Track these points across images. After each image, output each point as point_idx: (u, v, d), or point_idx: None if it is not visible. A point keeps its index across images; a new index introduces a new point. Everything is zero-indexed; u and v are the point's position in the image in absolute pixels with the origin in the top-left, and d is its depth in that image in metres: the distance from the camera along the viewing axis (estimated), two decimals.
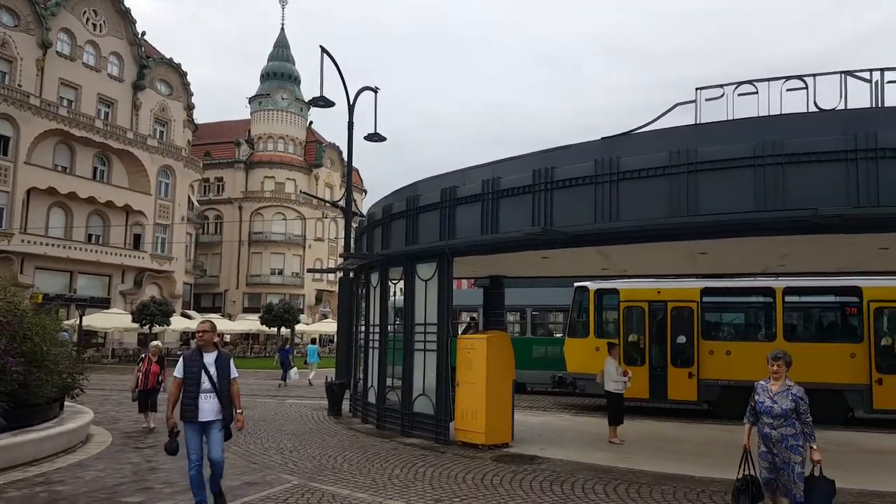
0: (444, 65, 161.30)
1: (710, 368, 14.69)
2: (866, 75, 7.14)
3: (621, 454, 9.96)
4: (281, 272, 57.35)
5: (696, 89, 7.71)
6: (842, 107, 7.23)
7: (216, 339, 6.70)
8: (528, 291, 19.67)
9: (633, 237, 8.47)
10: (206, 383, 6.37)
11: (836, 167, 7.08)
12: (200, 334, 6.56)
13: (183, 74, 47.45)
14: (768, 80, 7.46)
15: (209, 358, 6.47)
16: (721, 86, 7.65)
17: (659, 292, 15.58)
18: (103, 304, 39.70)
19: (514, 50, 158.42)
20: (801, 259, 10.81)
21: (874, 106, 7.18)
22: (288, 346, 28.93)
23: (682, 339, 15.18)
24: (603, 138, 8.54)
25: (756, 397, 5.89)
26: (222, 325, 43.82)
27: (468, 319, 22.32)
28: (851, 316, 14.58)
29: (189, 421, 6.34)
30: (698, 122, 7.78)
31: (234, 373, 6.61)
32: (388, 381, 11.99)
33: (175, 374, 6.50)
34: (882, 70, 7.05)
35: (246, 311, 53.56)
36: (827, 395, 13.99)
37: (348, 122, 16.79)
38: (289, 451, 9.88)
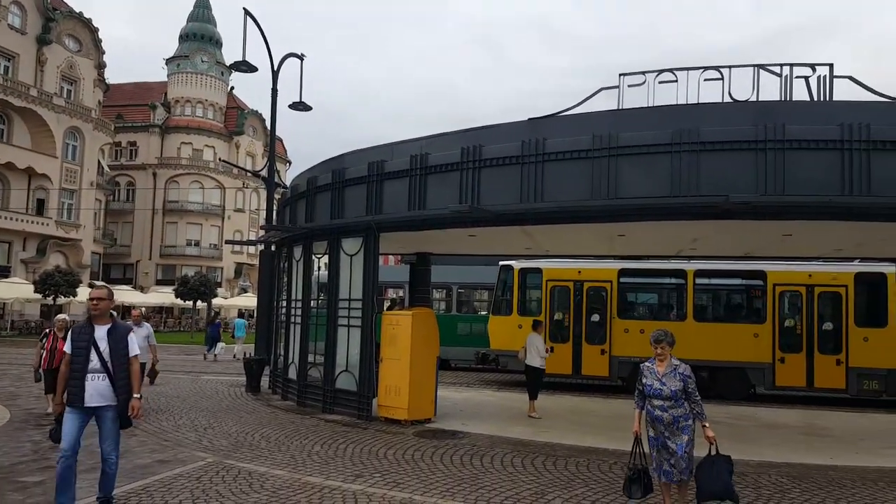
0: (376, 41, 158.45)
1: (624, 346, 15.34)
2: (777, 69, 7.53)
3: (540, 428, 10.27)
4: (198, 243, 55.25)
5: (620, 75, 7.92)
6: (754, 98, 7.60)
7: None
8: (454, 269, 19.82)
9: (556, 218, 8.65)
10: (94, 361, 5.38)
11: (746, 156, 7.45)
12: (94, 302, 5.52)
13: (94, 30, 44.33)
14: (687, 69, 7.73)
15: (101, 331, 5.47)
16: (643, 73, 7.87)
17: (579, 272, 16.07)
18: (2, 272, 37.08)
19: (450, 30, 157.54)
20: (712, 243, 11.38)
21: (783, 99, 7.58)
22: (218, 320, 28.13)
23: (596, 317, 15.77)
24: (529, 119, 8.63)
25: (644, 380, 5.67)
26: (134, 297, 41.92)
27: (394, 296, 22.29)
28: (756, 298, 15.54)
29: (72, 405, 5.37)
30: (621, 107, 7.99)
31: (133, 349, 5.59)
32: (310, 357, 11.82)
33: (65, 349, 5.57)
34: (791, 65, 7.45)
35: (159, 283, 51.44)
36: (732, 372, 15.00)
37: (272, 89, 16.21)
38: (203, 429, 9.59)
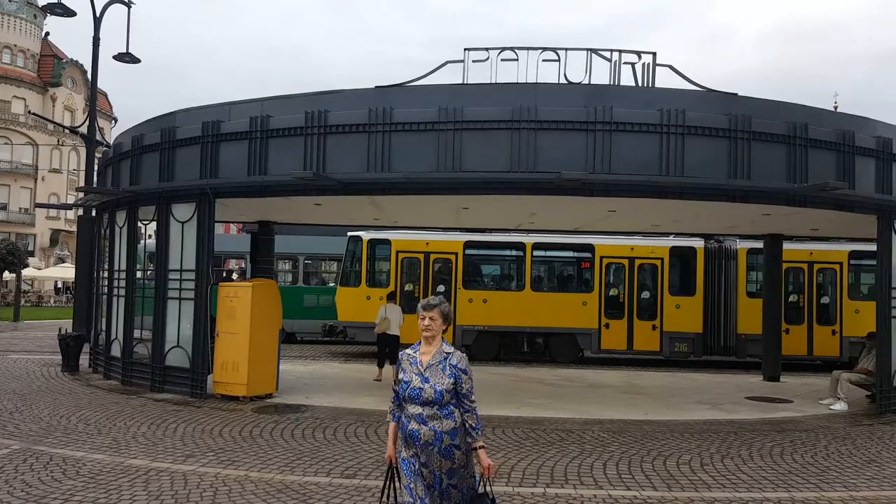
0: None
1: (469, 315, 15.90)
2: (607, 54, 8.04)
3: (385, 398, 10.31)
4: (5, 207, 48.85)
5: (465, 50, 8.02)
6: (587, 81, 8.06)
7: None
8: (301, 239, 19.25)
9: (403, 189, 8.63)
10: None
11: (578, 136, 7.92)
12: None
13: None
14: (527, 48, 8.02)
15: None
16: (486, 49, 8.04)
17: (427, 244, 16.32)
18: None
19: None
20: (548, 217, 12.05)
21: (612, 83, 8.12)
22: None
23: (442, 287, 16.17)
24: (376, 87, 8.48)
25: (401, 375, 3.86)
26: None
27: (235, 267, 21.21)
28: (586, 269, 16.79)
29: None
30: (465, 82, 8.11)
31: None
32: (137, 333, 10.90)
33: None
34: (620, 51, 8.00)
35: None
36: (564, 337, 16.18)
37: (94, 38, 14.49)
38: (9, 413, 8.50)
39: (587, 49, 7.96)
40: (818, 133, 8.59)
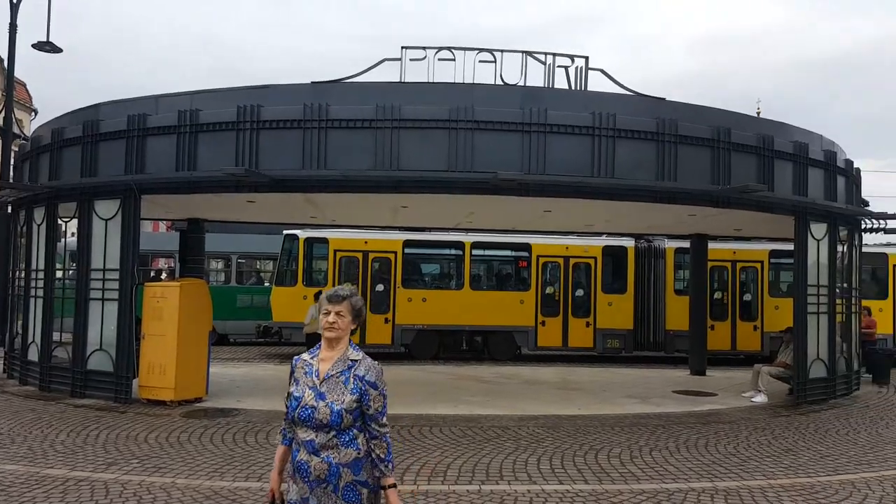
0: None
1: (408, 314, 15.86)
2: (542, 57, 8.18)
3: None
4: None
5: (402, 48, 7.99)
6: (522, 83, 8.18)
7: None
8: (234, 237, 18.72)
9: (339, 186, 8.52)
10: None
11: (514, 137, 8.02)
12: None
13: None
14: (464, 49, 8.07)
15: None
16: (424, 48, 8.05)
17: (366, 242, 16.18)
18: None
19: None
20: (486, 217, 12.16)
21: (547, 85, 8.27)
22: None
23: (381, 287, 16.08)
24: (312, 83, 8.35)
25: (292, 388, 2.94)
26: None
27: (165, 266, 20.44)
28: (523, 268, 17.03)
29: None
30: (403, 80, 8.08)
31: None
32: (56, 336, 10.33)
33: None
34: (554, 55, 8.15)
35: None
36: (502, 335, 16.36)
37: (10, 24, 13.67)
38: None
39: (522, 51, 8.08)
40: (740, 137, 9.00)
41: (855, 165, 11.51)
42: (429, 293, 16.39)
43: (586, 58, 8.29)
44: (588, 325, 16.50)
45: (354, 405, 2.83)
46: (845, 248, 11.35)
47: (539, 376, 13.55)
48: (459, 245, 16.48)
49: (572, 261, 16.69)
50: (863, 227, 12.02)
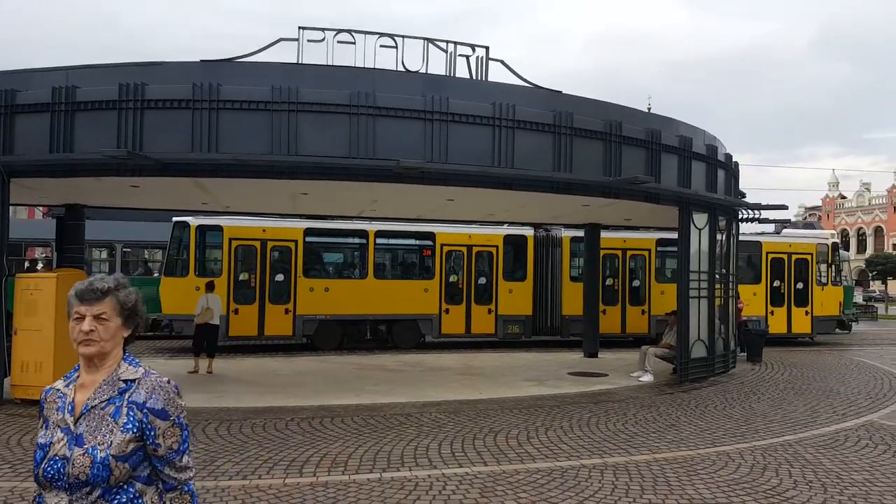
0: None
1: (310, 304, 15.52)
2: (444, 45, 8.18)
3: (215, 394, 9.78)
4: None
5: (299, 28, 7.72)
6: (424, 70, 8.14)
7: None
8: (118, 224, 17.53)
9: (232, 171, 8.14)
10: None
11: (416, 124, 7.99)
12: None
13: None
14: (365, 33, 7.92)
15: None
16: (323, 30, 7.81)
17: (264, 230, 15.63)
18: None
19: None
20: (389, 205, 12.08)
21: (449, 74, 8.28)
22: None
23: (281, 276, 15.63)
24: (202, 61, 7.91)
25: (40, 435, 1.95)
26: None
27: (41, 255, 18.83)
28: (427, 257, 17.10)
29: None
30: (300, 61, 7.82)
31: None
32: None
33: None
34: (456, 43, 8.17)
35: None
36: (407, 323, 16.38)
37: None
38: None
39: (424, 38, 8.04)
40: (631, 131, 9.45)
41: (734, 159, 12.41)
42: (332, 283, 16.11)
43: (487, 48, 8.37)
44: (490, 311, 16.85)
45: (131, 447, 1.88)
46: (724, 236, 12.23)
47: (442, 363, 13.69)
48: (363, 234, 16.29)
49: (475, 249, 16.96)
50: (740, 216, 12.99)
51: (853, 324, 21.37)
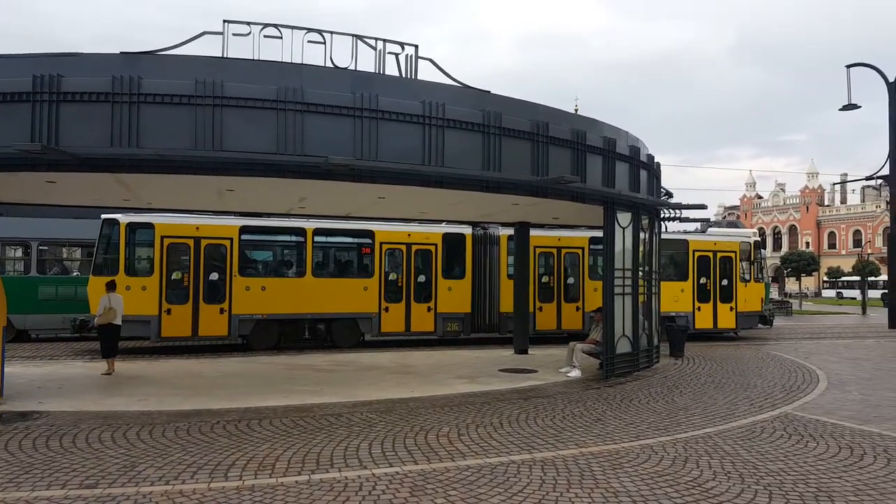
0: None
1: (246, 304, 15.21)
2: (373, 42, 8.15)
3: (136, 397, 9.46)
4: None
5: (224, 21, 7.54)
6: (353, 67, 8.09)
7: None
8: (34, 222, 16.70)
9: (154, 166, 7.88)
10: None
11: (345, 121, 7.93)
12: None
13: None
14: (292, 27, 7.80)
15: None
16: (248, 23, 7.66)
17: (198, 228, 15.22)
18: None
19: None
20: (318, 202, 11.93)
21: (378, 72, 8.26)
22: None
23: (216, 275, 15.26)
24: (122, 53, 7.62)
25: None
26: None
27: None
28: (366, 255, 17.02)
29: None
30: (225, 55, 7.65)
31: None
32: None
33: None
34: (385, 41, 8.15)
35: None
36: (346, 322, 16.28)
37: None
38: None
39: (353, 35, 7.99)
40: (557, 131, 9.66)
41: (656, 160, 12.84)
42: (268, 281, 15.84)
43: (416, 46, 8.39)
44: (430, 309, 16.91)
45: None
46: (647, 234, 12.65)
47: (377, 362, 13.65)
48: (301, 231, 16.08)
49: (414, 247, 16.99)
50: (662, 216, 13.46)
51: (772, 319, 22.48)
